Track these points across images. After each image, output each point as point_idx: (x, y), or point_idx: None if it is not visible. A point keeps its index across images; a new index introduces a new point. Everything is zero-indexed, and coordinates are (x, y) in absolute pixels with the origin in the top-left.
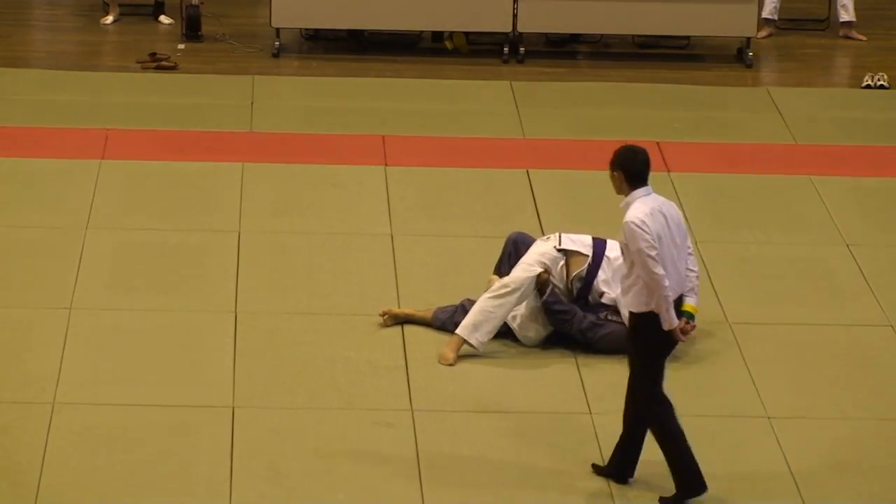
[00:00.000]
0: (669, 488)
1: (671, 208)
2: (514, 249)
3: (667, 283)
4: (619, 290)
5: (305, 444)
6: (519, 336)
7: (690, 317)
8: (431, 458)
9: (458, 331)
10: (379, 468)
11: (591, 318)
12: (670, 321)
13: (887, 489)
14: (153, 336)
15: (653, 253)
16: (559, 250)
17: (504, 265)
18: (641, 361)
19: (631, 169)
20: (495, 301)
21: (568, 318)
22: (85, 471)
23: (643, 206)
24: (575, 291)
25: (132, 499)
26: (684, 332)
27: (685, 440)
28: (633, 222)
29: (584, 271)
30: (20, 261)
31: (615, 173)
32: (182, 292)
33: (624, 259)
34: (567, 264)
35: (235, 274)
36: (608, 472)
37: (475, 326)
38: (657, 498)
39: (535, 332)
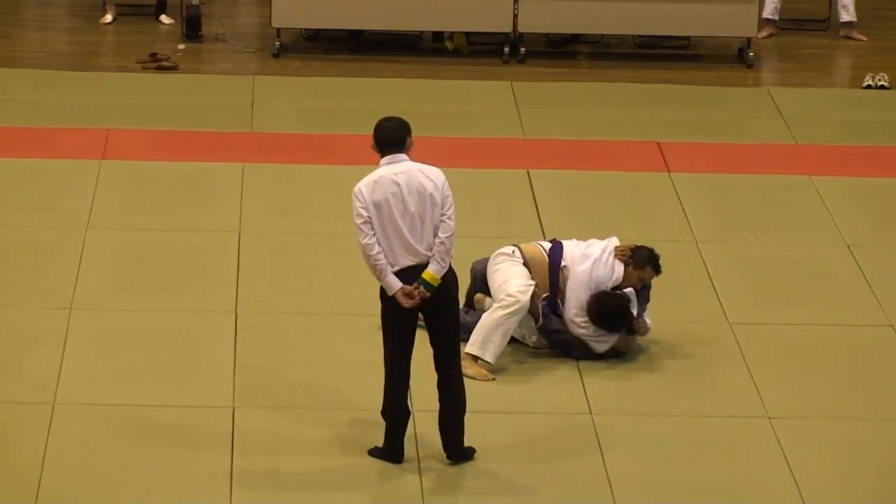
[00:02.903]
0: (670, 489)
1: (417, 175)
2: (482, 279)
3: (375, 251)
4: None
5: (305, 444)
6: (525, 340)
7: (425, 284)
8: (431, 459)
9: (468, 349)
10: (379, 468)
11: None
12: (388, 286)
13: (887, 489)
14: (153, 336)
15: (359, 221)
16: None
17: (472, 296)
18: (383, 328)
19: (376, 137)
20: (504, 312)
21: (566, 337)
22: (85, 471)
23: (373, 175)
24: (542, 311)
25: (132, 499)
26: (409, 296)
27: (400, 417)
28: (353, 191)
29: (546, 294)
30: (20, 261)
31: (372, 143)
32: (182, 292)
33: None
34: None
35: (235, 274)
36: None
37: (485, 341)
38: (658, 498)
39: (538, 335)
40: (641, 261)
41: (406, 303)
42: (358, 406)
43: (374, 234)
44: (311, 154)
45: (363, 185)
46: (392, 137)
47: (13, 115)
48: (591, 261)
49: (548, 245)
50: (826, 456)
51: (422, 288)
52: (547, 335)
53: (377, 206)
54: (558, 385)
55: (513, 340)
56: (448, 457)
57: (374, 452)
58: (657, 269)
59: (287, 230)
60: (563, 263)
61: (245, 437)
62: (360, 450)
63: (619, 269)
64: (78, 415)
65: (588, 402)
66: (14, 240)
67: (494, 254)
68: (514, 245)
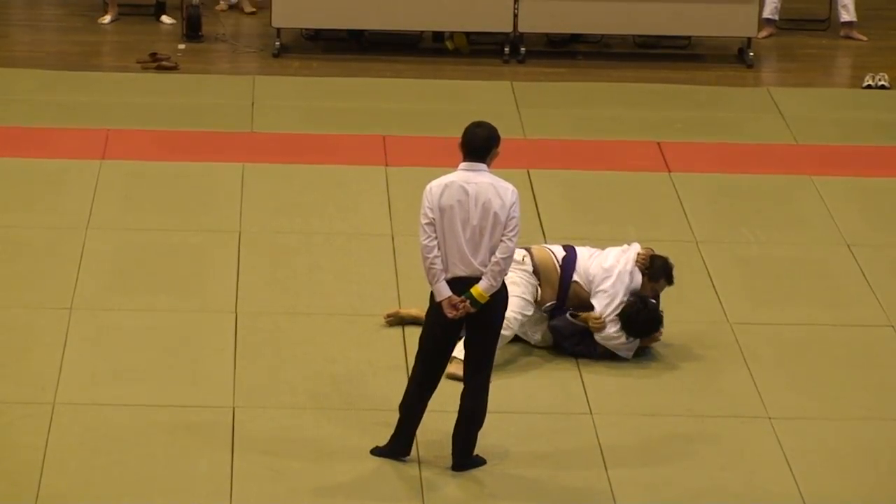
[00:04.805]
0: (670, 490)
1: (488, 190)
2: None
3: (433, 254)
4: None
5: (305, 444)
6: (528, 338)
7: (472, 299)
8: (432, 459)
9: (455, 352)
10: (379, 468)
11: (599, 349)
12: (437, 292)
13: (887, 489)
14: (153, 336)
15: (424, 221)
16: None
17: None
18: (423, 328)
19: (462, 140)
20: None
21: (575, 341)
22: (85, 471)
23: (446, 177)
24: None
25: (132, 499)
26: (455, 307)
27: (414, 413)
28: (425, 189)
29: (552, 303)
30: (20, 261)
31: (458, 143)
32: (182, 292)
33: None
34: (540, 285)
35: (235, 274)
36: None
37: None
38: (658, 499)
39: (541, 334)
40: (656, 273)
41: (450, 313)
42: (358, 406)
43: (436, 238)
44: (311, 154)
45: (434, 186)
46: (476, 146)
47: (13, 115)
48: (616, 273)
49: (560, 252)
50: (826, 456)
51: (468, 303)
52: (559, 337)
53: (442, 209)
54: (558, 385)
55: (515, 338)
56: (452, 466)
57: (377, 451)
58: (670, 281)
59: (287, 230)
60: (574, 278)
61: (245, 437)
62: (360, 449)
63: (638, 277)
64: (78, 415)
65: (588, 402)
66: (14, 240)
67: None
68: (525, 249)
